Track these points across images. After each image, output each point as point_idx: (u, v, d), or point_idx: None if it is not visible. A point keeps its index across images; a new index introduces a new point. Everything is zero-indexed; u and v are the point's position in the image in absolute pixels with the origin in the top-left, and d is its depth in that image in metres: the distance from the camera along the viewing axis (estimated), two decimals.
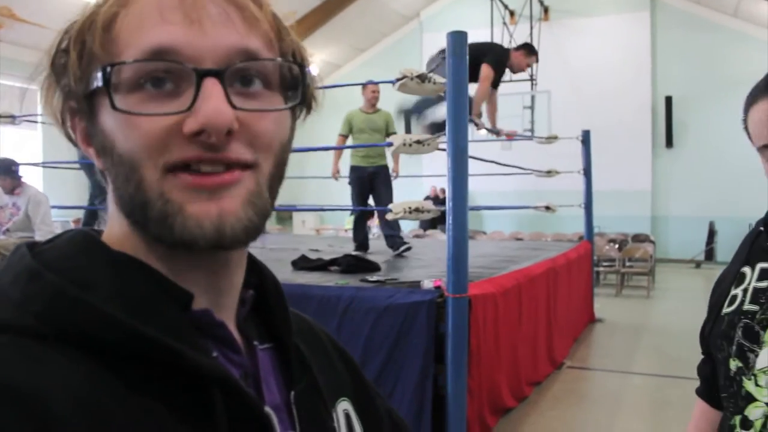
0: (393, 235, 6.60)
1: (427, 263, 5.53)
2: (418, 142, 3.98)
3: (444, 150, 3.73)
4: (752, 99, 1.11)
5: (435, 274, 4.18)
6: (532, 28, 15.50)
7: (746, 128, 1.14)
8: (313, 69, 0.61)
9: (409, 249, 6.53)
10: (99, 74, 0.52)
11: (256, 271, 0.65)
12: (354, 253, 5.77)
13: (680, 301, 9.72)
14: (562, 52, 16.04)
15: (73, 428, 0.43)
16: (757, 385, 1.05)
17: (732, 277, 1.18)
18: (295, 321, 0.68)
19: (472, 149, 3.75)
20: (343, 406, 0.70)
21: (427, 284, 3.77)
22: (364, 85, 6.60)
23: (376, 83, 6.05)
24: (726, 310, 1.14)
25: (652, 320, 8.30)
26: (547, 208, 7.04)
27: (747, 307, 1.10)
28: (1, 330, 0.47)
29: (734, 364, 1.09)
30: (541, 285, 5.45)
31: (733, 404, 1.09)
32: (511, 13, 16.09)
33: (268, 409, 0.57)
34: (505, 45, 15.16)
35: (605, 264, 11.05)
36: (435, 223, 13.80)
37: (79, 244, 0.55)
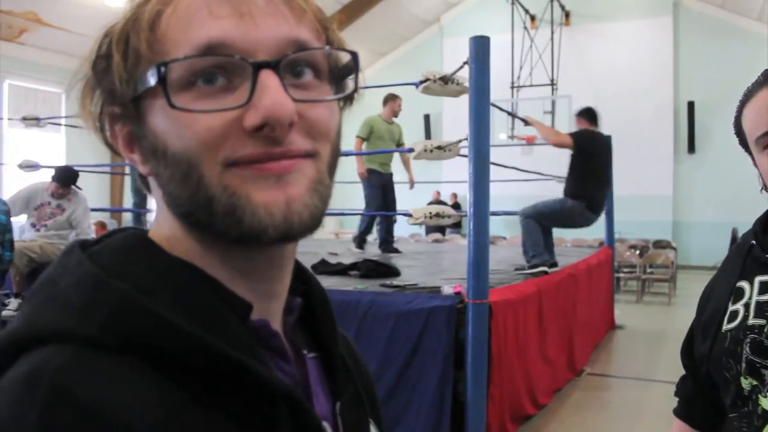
0: (388, 241, 7.23)
1: (446, 267, 5.52)
2: (440, 147, 3.98)
3: (465, 156, 3.73)
4: (748, 95, 1.11)
5: (455, 279, 4.17)
6: (553, 32, 15.44)
7: (738, 132, 1.14)
8: None
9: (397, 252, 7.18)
10: (152, 73, 0.50)
11: (303, 278, 0.64)
12: (374, 258, 5.77)
13: None
14: (583, 57, 15.95)
15: None
16: None
17: (725, 292, 1.14)
18: (344, 343, 0.68)
19: (493, 155, 3.73)
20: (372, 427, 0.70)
21: (447, 290, 3.76)
22: (392, 97, 6.88)
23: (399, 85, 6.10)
24: (727, 326, 1.10)
25: (674, 327, 8.19)
26: None
27: (752, 321, 1.06)
28: (65, 339, 0.46)
29: (747, 382, 1.05)
30: (561, 291, 5.41)
31: (747, 424, 1.05)
32: (532, 18, 16.03)
33: (325, 424, 0.57)
34: (526, 49, 15.22)
35: (626, 270, 10.96)
36: (444, 227, 13.91)
37: (135, 247, 0.54)
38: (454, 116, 14.78)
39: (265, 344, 0.55)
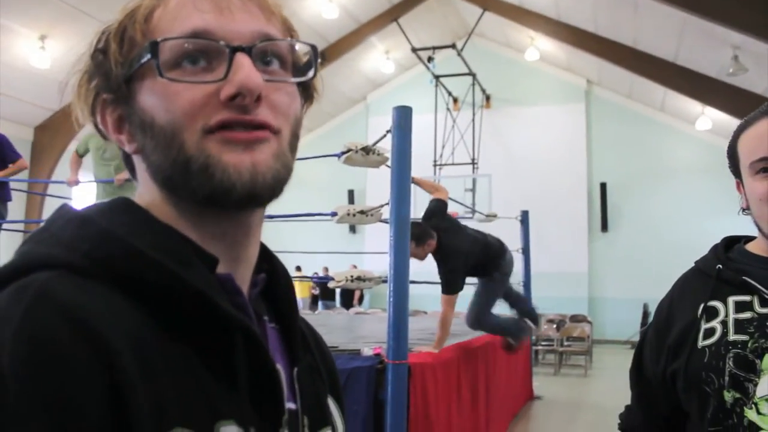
0: None
1: (366, 334, 5.55)
2: (362, 212, 4.08)
3: (386, 221, 3.84)
4: (748, 122, 1.17)
5: (375, 343, 4.21)
6: (474, 114, 16.10)
7: (731, 156, 1.19)
8: None
9: None
10: (146, 52, 0.60)
11: (268, 259, 0.72)
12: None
13: (617, 379, 9.84)
14: (502, 138, 16.64)
15: (126, 360, 0.49)
16: (759, 413, 1.06)
17: (691, 312, 1.19)
18: (306, 325, 0.77)
19: None
20: (330, 402, 0.75)
21: (367, 351, 3.80)
22: None
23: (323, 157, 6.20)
24: (704, 342, 1.14)
25: (590, 398, 8.40)
26: None
27: (733, 337, 1.11)
28: (53, 265, 0.53)
29: (730, 395, 1.08)
30: (480, 358, 5.50)
31: None
32: (455, 100, 16.72)
33: (279, 366, 0.63)
34: (448, 129, 15.78)
35: (544, 343, 11.20)
36: (316, 300, 14.26)
37: (119, 204, 0.63)
38: (377, 191, 15.05)
39: (230, 300, 0.61)
